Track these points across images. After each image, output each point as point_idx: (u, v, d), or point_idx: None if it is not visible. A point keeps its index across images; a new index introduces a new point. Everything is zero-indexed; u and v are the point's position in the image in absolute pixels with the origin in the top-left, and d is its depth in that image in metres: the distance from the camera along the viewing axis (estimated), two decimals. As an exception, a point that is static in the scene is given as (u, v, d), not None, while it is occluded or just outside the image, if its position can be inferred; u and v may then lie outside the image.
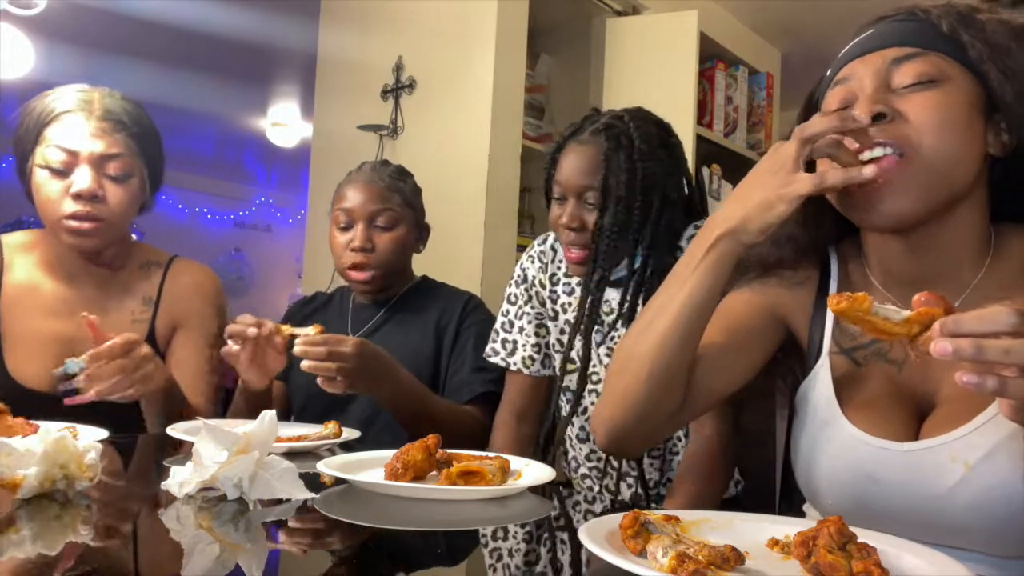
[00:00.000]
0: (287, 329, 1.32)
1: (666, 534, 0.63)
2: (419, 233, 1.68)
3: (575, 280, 1.48)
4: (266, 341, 1.31)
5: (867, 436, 0.85)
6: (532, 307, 1.55)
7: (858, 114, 0.80)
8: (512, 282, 1.59)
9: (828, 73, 0.92)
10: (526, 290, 1.55)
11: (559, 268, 1.52)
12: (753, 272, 1.00)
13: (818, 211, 0.93)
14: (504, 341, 1.55)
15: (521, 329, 1.54)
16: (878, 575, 0.57)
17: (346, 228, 1.58)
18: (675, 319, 0.87)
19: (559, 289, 1.51)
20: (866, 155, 0.81)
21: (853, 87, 0.86)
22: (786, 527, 0.70)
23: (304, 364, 1.23)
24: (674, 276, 0.90)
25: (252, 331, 1.28)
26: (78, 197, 1.31)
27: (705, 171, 2.98)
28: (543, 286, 1.53)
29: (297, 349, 1.24)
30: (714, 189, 2.95)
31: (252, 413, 1.34)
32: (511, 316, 1.56)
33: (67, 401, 1.18)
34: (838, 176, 0.80)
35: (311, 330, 1.27)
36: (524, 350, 1.53)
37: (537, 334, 1.54)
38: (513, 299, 1.56)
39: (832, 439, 0.88)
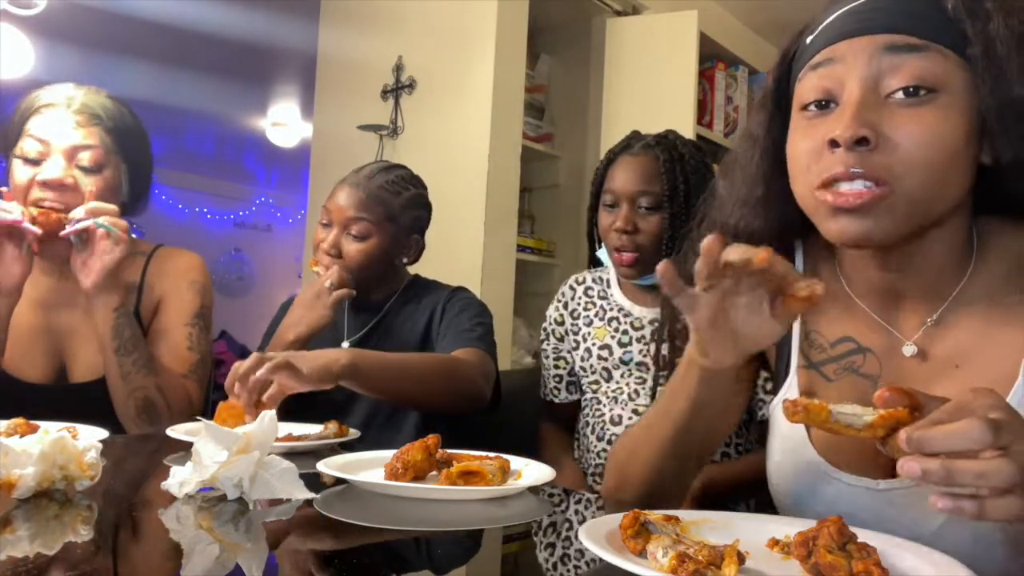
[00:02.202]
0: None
1: (666, 534, 0.63)
2: (399, 249, 1.59)
3: (593, 312, 1.64)
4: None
5: (838, 472, 0.79)
6: (550, 344, 1.71)
7: (840, 134, 0.71)
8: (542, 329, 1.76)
9: (808, 40, 0.80)
10: (548, 332, 1.72)
11: (579, 304, 1.67)
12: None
13: (781, 200, 0.84)
14: (542, 380, 1.74)
15: (546, 367, 1.71)
16: (878, 575, 0.57)
17: (326, 226, 1.55)
18: (664, 439, 0.85)
19: (580, 322, 1.66)
20: (843, 187, 0.72)
21: (837, 74, 0.74)
22: (786, 527, 0.70)
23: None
24: (667, 389, 0.86)
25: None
26: (44, 185, 1.31)
27: (705, 171, 2.98)
28: (560, 323, 1.70)
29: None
30: (714, 189, 2.95)
31: None
32: (543, 357, 1.74)
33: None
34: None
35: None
36: (549, 383, 1.71)
37: (556, 366, 1.70)
38: (542, 347, 1.74)
39: (801, 471, 0.82)
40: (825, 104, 0.76)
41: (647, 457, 0.87)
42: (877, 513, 0.77)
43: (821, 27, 0.79)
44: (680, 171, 1.51)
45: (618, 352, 1.58)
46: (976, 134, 0.74)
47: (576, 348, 1.65)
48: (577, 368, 1.67)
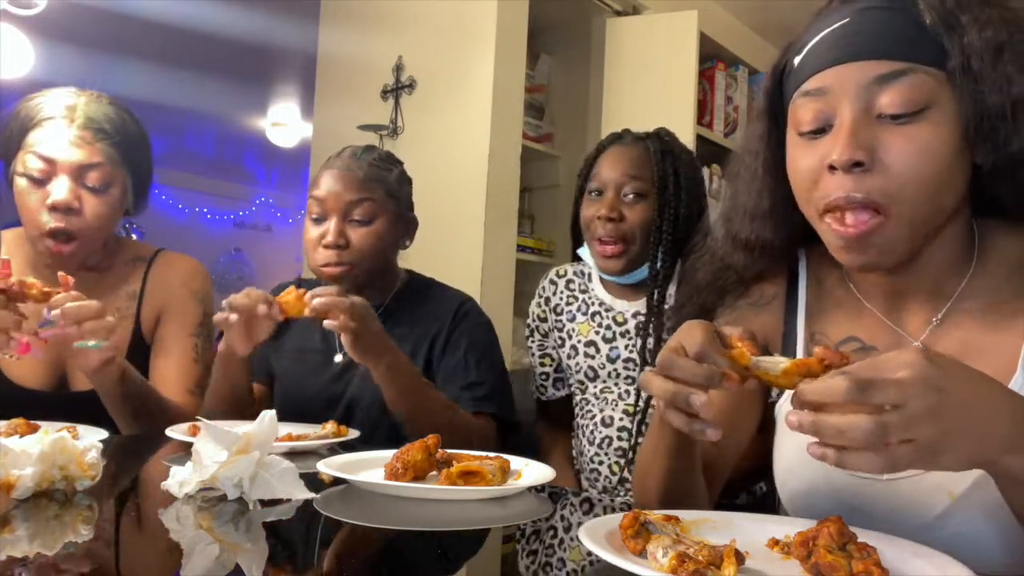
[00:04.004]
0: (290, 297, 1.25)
1: (666, 534, 0.63)
2: (404, 227, 1.50)
3: (575, 306, 1.62)
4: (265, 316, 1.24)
5: None
6: (535, 341, 1.70)
7: (836, 158, 0.74)
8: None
9: (796, 62, 0.82)
10: (532, 329, 1.70)
11: (562, 298, 1.64)
12: (733, 293, 0.96)
13: (788, 209, 0.86)
14: (532, 378, 1.73)
15: (533, 365, 1.70)
16: (878, 575, 0.57)
17: (319, 220, 1.41)
18: (666, 466, 0.85)
19: (563, 317, 1.63)
20: (845, 216, 0.75)
21: (830, 103, 0.77)
22: (786, 527, 0.70)
23: (317, 302, 1.17)
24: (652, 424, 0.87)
25: (262, 309, 1.20)
26: (54, 209, 1.29)
27: (705, 171, 2.98)
28: (543, 319, 1.69)
29: (316, 302, 1.17)
30: (714, 190, 2.94)
31: (228, 380, 1.31)
32: (529, 355, 1.73)
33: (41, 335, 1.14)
34: (678, 422, 0.70)
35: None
36: (537, 380, 1.70)
37: (542, 364, 1.69)
38: (528, 344, 1.73)
39: (808, 466, 0.83)
40: (820, 130, 0.78)
41: (658, 479, 0.87)
42: (883, 503, 0.79)
43: (808, 48, 0.81)
44: (671, 163, 1.48)
45: (604, 349, 1.55)
46: (966, 142, 0.76)
47: (562, 345, 1.63)
48: (564, 365, 1.64)
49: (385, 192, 1.43)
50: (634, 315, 1.55)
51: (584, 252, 1.57)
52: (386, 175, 1.45)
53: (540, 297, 1.69)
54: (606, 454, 1.53)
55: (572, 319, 1.61)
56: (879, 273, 0.84)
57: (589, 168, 1.54)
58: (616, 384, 1.55)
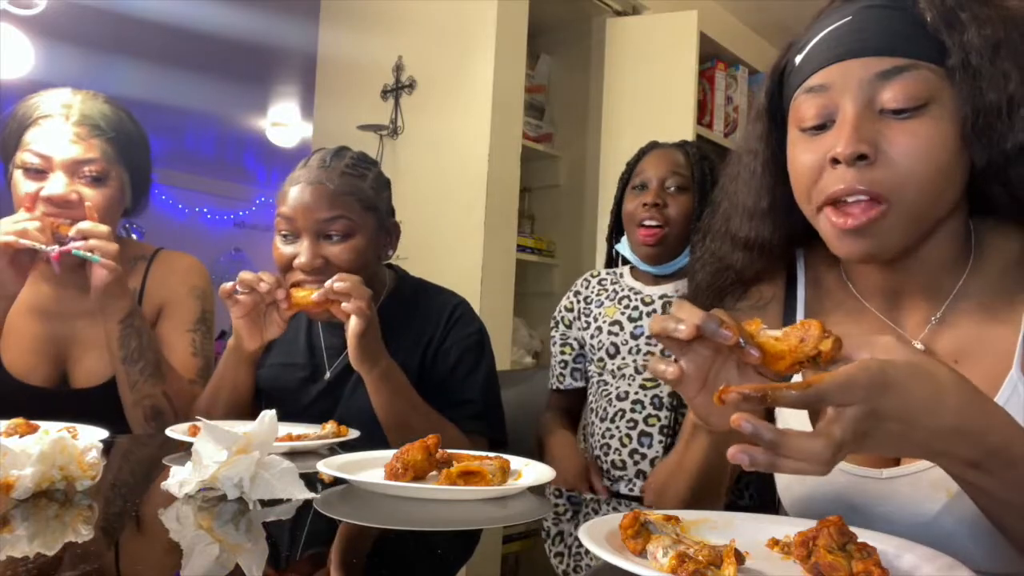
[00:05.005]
0: (301, 297, 1.23)
1: (666, 534, 0.63)
2: (386, 237, 1.38)
3: (605, 295, 1.72)
4: (272, 304, 1.24)
5: (845, 464, 0.82)
6: (558, 331, 1.77)
7: (840, 151, 0.74)
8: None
9: (798, 60, 0.83)
10: (557, 320, 1.78)
11: (593, 291, 1.75)
12: (732, 295, 0.97)
13: (786, 207, 0.87)
14: (551, 369, 1.80)
15: (553, 355, 1.78)
16: (878, 575, 0.57)
17: (289, 238, 1.29)
18: (692, 475, 0.86)
19: (591, 305, 1.73)
20: (847, 200, 0.76)
21: (833, 98, 0.77)
22: (786, 527, 0.70)
23: (339, 286, 1.17)
24: (682, 436, 0.88)
25: (264, 286, 1.21)
26: (49, 202, 1.30)
27: (705, 171, 2.98)
28: (570, 310, 1.76)
29: (338, 285, 1.17)
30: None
31: (231, 380, 1.31)
32: (551, 345, 1.80)
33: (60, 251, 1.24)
34: (656, 365, 0.71)
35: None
36: (556, 369, 1.77)
37: (562, 352, 1.76)
38: (551, 335, 1.79)
39: None
40: (822, 125, 0.79)
41: (682, 487, 0.88)
42: (882, 501, 0.79)
43: (809, 47, 0.81)
44: (708, 165, 1.64)
45: (628, 327, 1.64)
46: (964, 138, 0.76)
47: (587, 328, 1.72)
48: (587, 347, 1.72)
49: (362, 206, 1.31)
50: (661, 297, 1.64)
51: (622, 246, 1.69)
52: (360, 184, 1.32)
53: (571, 291, 1.79)
54: (617, 427, 1.60)
55: (600, 305, 1.71)
56: (877, 269, 0.84)
57: (631, 169, 1.70)
58: (635, 360, 1.62)
